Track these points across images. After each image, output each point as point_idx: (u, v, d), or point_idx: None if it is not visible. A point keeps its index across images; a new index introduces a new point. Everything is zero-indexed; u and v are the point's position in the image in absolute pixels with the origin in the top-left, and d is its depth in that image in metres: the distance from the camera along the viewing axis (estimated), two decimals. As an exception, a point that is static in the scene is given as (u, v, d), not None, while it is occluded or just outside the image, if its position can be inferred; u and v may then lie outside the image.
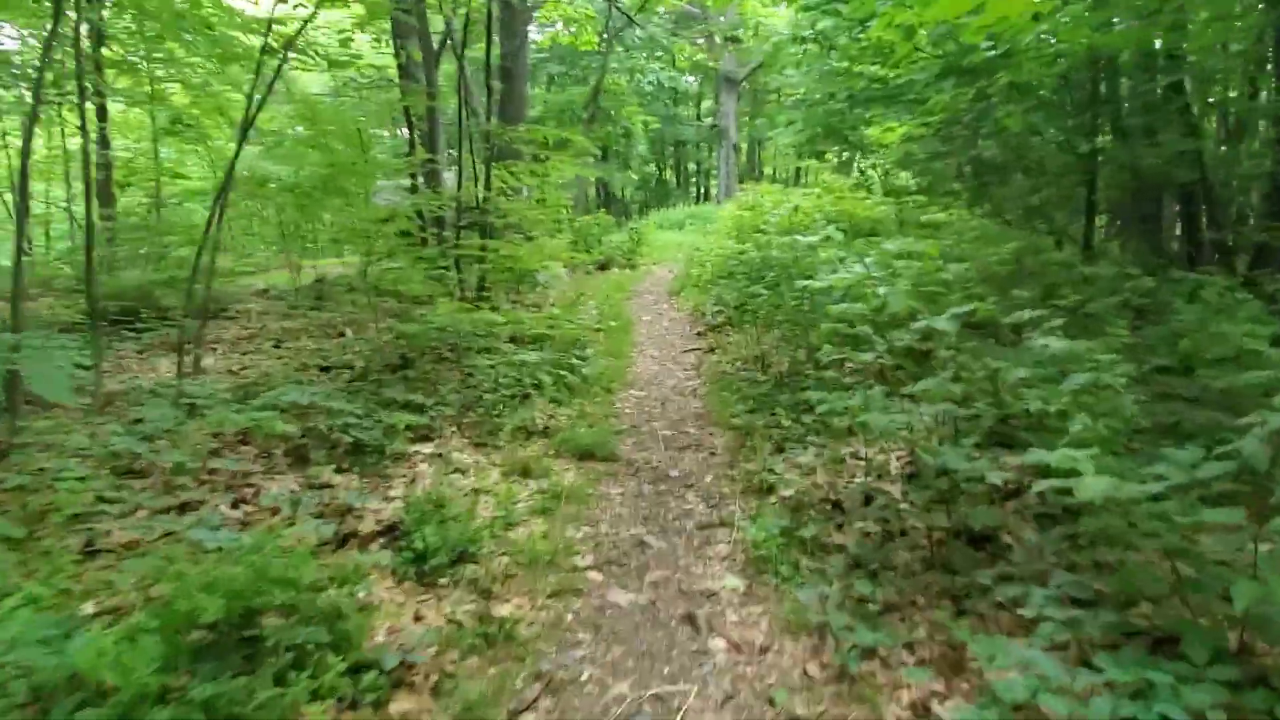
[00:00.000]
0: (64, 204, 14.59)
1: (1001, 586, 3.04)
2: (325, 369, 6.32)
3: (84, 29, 11.80)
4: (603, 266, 14.58)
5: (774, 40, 13.96)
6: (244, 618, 2.45)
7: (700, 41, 25.77)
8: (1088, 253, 8.02)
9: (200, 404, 4.58)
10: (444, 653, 2.81)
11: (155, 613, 2.35)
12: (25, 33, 11.84)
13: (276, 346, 7.55)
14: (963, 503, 3.50)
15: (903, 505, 3.84)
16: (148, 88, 11.54)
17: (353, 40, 9.50)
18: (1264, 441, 2.45)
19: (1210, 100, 8.70)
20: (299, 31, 5.58)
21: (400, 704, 2.52)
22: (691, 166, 33.94)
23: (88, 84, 12.01)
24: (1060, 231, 8.86)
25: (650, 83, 26.52)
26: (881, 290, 3.72)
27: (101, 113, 12.21)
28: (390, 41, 12.02)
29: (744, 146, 29.80)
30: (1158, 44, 6.11)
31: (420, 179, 10.56)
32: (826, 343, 4.25)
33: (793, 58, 11.04)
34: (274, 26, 6.30)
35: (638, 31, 24.44)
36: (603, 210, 20.57)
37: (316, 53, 6.49)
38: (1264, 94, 8.23)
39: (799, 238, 5.18)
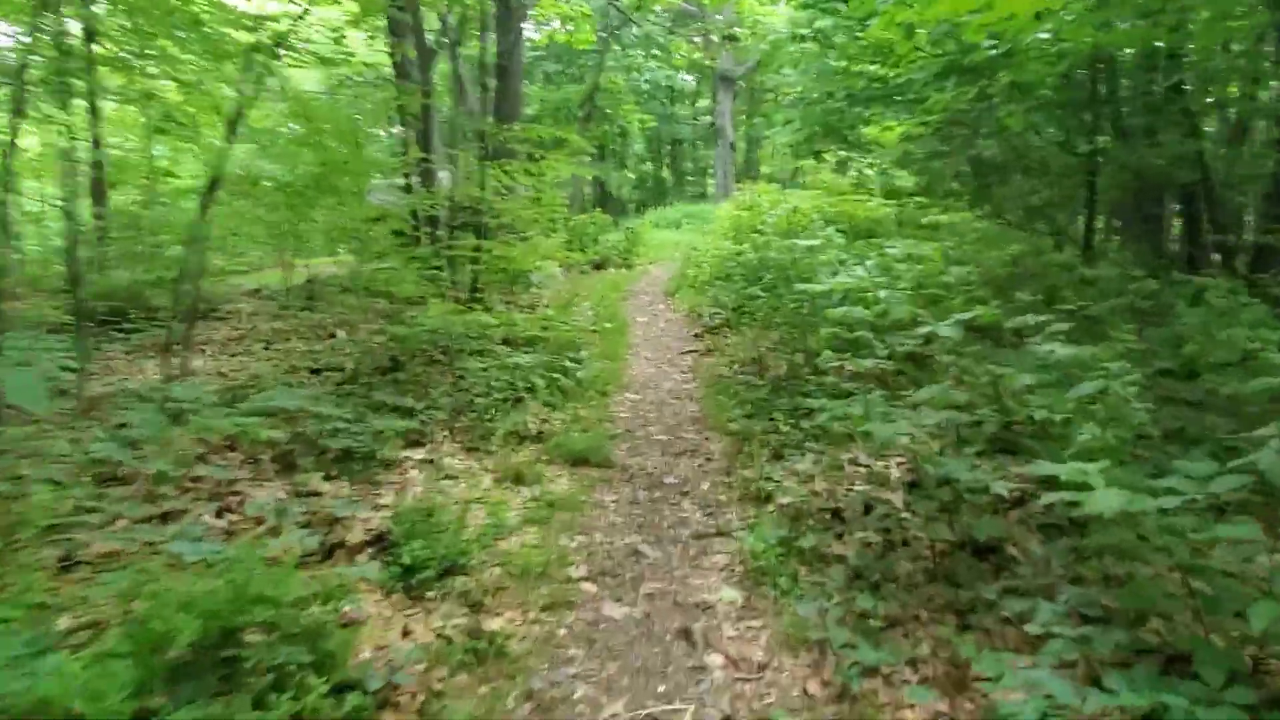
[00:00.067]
0: (56, 202, 14.44)
1: (1007, 600, 2.96)
2: (315, 371, 6.22)
3: (76, 26, 11.72)
4: (598, 266, 14.48)
5: (771, 39, 13.87)
6: (224, 637, 2.35)
7: (697, 40, 25.65)
8: (1088, 253, 7.95)
9: (186, 408, 4.48)
10: (432, 670, 2.72)
11: (129, 633, 2.25)
12: (16, 30, 11.69)
13: (267, 348, 7.44)
14: (966, 512, 3.42)
15: (904, 514, 3.76)
16: (140, 85, 11.43)
17: (345, 38, 9.40)
18: (1282, 454, 2.37)
19: (1210, 100, 8.64)
20: (290, 27, 5.45)
21: (386, 726, 2.43)
22: (688, 165, 33.82)
23: (79, 81, 11.91)
24: (1060, 232, 8.79)
25: (647, 81, 26.43)
26: (882, 294, 3.63)
27: (93, 110, 12.09)
28: (385, 39, 11.91)
29: (741, 145, 29.69)
30: (1159, 43, 6.05)
31: (415, 178, 10.46)
32: (827, 348, 4.15)
33: (791, 56, 10.95)
34: (266, 23, 6.21)
35: (634, 29, 24.33)
36: (599, 209, 20.45)
37: (308, 50, 6.36)
38: (1263, 94, 8.17)
39: (799, 241, 5.08)
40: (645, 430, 5.60)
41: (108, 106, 12.39)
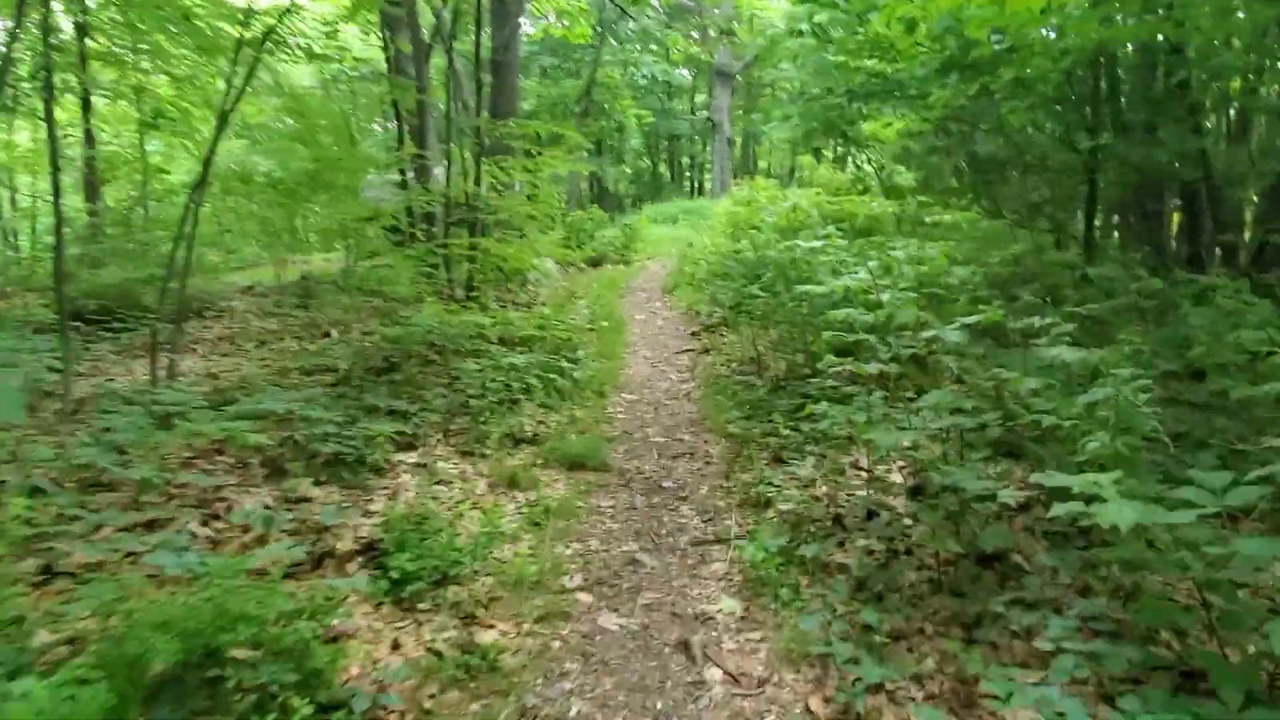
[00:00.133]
0: (48, 198, 14.32)
1: (1014, 611, 2.89)
2: (308, 372, 6.11)
3: (67, 22, 11.61)
4: (595, 263, 14.37)
5: (770, 33, 13.76)
6: (206, 656, 2.27)
7: (694, 35, 25.53)
8: (1089, 251, 7.87)
9: (174, 411, 4.38)
10: (422, 686, 2.64)
11: (105, 654, 2.16)
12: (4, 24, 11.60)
13: (259, 347, 7.34)
14: (970, 519, 3.34)
15: (906, 521, 3.68)
16: (133, 80, 11.31)
17: (339, 32, 9.28)
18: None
19: (1211, 98, 8.56)
20: (278, 21, 5.35)
21: (373, 747, 2.34)
22: (685, 161, 33.69)
23: (70, 77, 11.79)
24: (1060, 229, 8.71)
25: (644, 76, 26.26)
26: (885, 297, 3.54)
27: (85, 105, 11.97)
28: (379, 34, 11.79)
29: (738, 141, 29.58)
30: (1162, 38, 5.95)
31: (410, 174, 10.36)
32: (828, 352, 4.06)
33: (788, 51, 10.84)
34: (256, 17, 6.10)
35: (631, 24, 24.20)
36: (595, 205, 20.35)
37: (299, 45, 6.25)
38: (1265, 90, 8.09)
39: (800, 243, 4.99)
40: (643, 432, 5.51)
41: (99, 102, 12.31)
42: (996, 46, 5.67)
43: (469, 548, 3.43)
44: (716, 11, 23.42)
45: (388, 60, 10.98)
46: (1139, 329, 4.86)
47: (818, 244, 4.82)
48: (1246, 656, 2.43)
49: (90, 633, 2.60)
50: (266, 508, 3.74)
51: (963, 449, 3.72)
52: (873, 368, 3.44)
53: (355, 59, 9.65)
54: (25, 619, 2.72)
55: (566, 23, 19.88)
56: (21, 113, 14.02)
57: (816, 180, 13.68)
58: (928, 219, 5.80)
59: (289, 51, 6.13)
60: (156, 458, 3.92)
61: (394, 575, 3.12)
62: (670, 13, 25.22)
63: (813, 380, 4.67)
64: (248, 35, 5.37)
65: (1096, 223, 8.67)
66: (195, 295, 9.25)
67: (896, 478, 4.13)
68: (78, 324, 7.29)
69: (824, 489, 4.15)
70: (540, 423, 5.41)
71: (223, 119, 5.27)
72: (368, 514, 3.83)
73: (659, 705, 2.64)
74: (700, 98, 31.01)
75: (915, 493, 3.91)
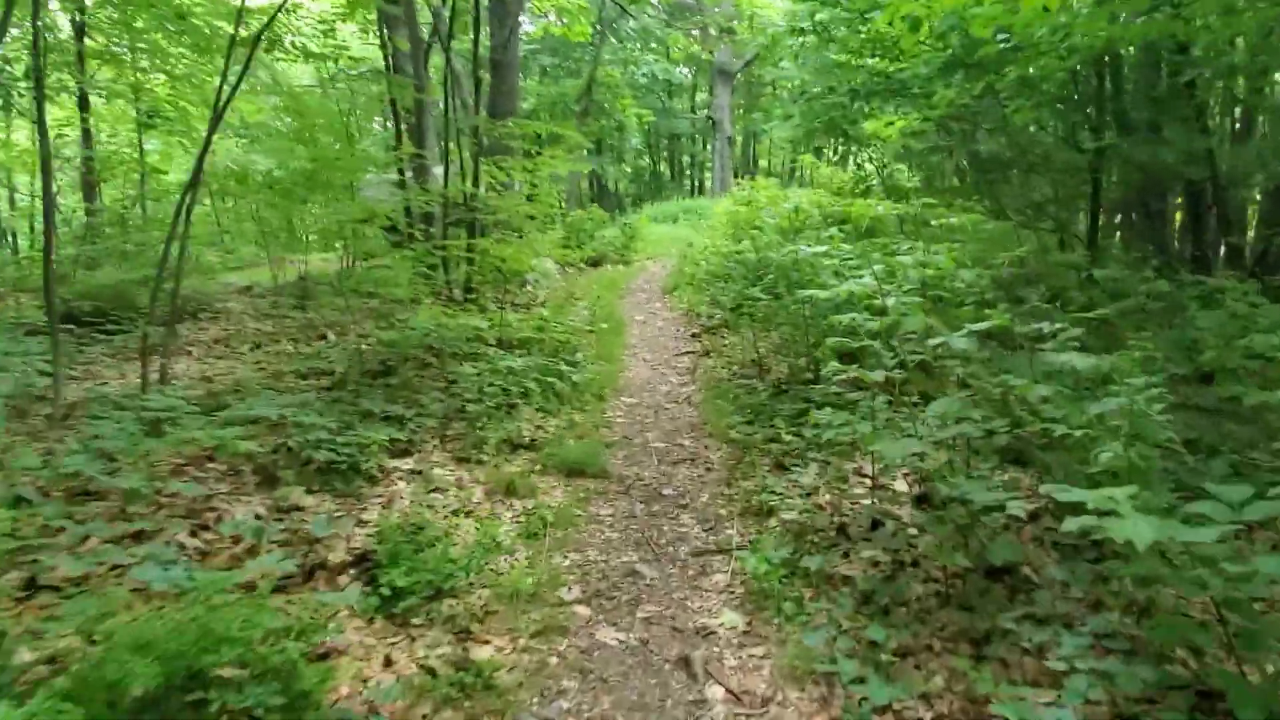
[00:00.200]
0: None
1: (1024, 627, 2.81)
2: (303, 376, 6.03)
3: (66, 22, 11.53)
4: (595, 263, 14.27)
5: (771, 32, 13.68)
6: (189, 678, 2.18)
7: (695, 33, 25.43)
8: (1093, 252, 7.79)
9: (165, 416, 4.30)
10: (415, 707, 2.56)
11: (84, 676, 2.08)
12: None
13: (254, 350, 7.26)
14: (978, 530, 3.26)
15: (912, 531, 3.60)
16: (130, 79, 11.25)
17: (336, 30, 9.21)
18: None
19: (1217, 97, 8.48)
20: (270, 20, 5.27)
21: (363, 772, 2.26)
22: (686, 160, 33.59)
23: (67, 76, 11.71)
24: (1063, 229, 8.63)
25: (644, 75, 26.17)
26: (890, 301, 3.45)
27: (83, 104, 11.90)
28: (378, 32, 11.70)
29: (739, 140, 29.49)
30: (1170, 37, 5.86)
31: (409, 174, 10.28)
32: (833, 358, 3.98)
33: (790, 50, 10.75)
34: (251, 16, 6.02)
35: (631, 22, 24.11)
36: (595, 204, 20.26)
37: (294, 44, 6.17)
38: (1268, 90, 8.01)
39: (804, 247, 4.91)
40: (642, 437, 5.43)
41: (96, 101, 12.23)
42: (1003, 45, 5.58)
43: (464, 559, 3.35)
44: (717, 10, 23.31)
45: (385, 59, 10.89)
46: (1150, 334, 4.77)
47: (821, 249, 4.72)
48: (1266, 676, 2.35)
49: (73, 651, 2.52)
50: (257, 517, 3.66)
51: (969, 457, 3.64)
52: (878, 375, 3.35)
53: (352, 58, 9.56)
54: (5, 635, 2.64)
55: (566, 21, 19.79)
56: (20, 112, 13.98)
57: (818, 180, 13.58)
58: (933, 221, 5.70)
59: (284, 50, 6.04)
60: (145, 466, 3.84)
61: (388, 587, 3.03)
62: (670, 11, 25.11)
63: (815, 386, 4.58)
64: (241, 33, 5.28)
65: (1099, 223, 8.59)
66: (191, 296, 9.17)
67: (901, 486, 4.04)
68: (70, 326, 7.22)
69: (827, 497, 4.07)
70: (538, 428, 5.32)
71: (216, 117, 5.18)
72: (361, 523, 3.75)
73: (659, 725, 2.56)
74: (701, 96, 30.92)
75: (921, 501, 3.83)
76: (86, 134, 12.01)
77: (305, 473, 4.17)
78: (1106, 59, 7.32)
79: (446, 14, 10.06)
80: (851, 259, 4.68)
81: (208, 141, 5.12)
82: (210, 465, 4.26)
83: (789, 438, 4.85)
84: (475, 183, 8.57)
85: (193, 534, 3.45)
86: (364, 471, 4.24)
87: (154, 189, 12.64)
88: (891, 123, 8.33)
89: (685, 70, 29.66)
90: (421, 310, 6.23)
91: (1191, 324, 5.38)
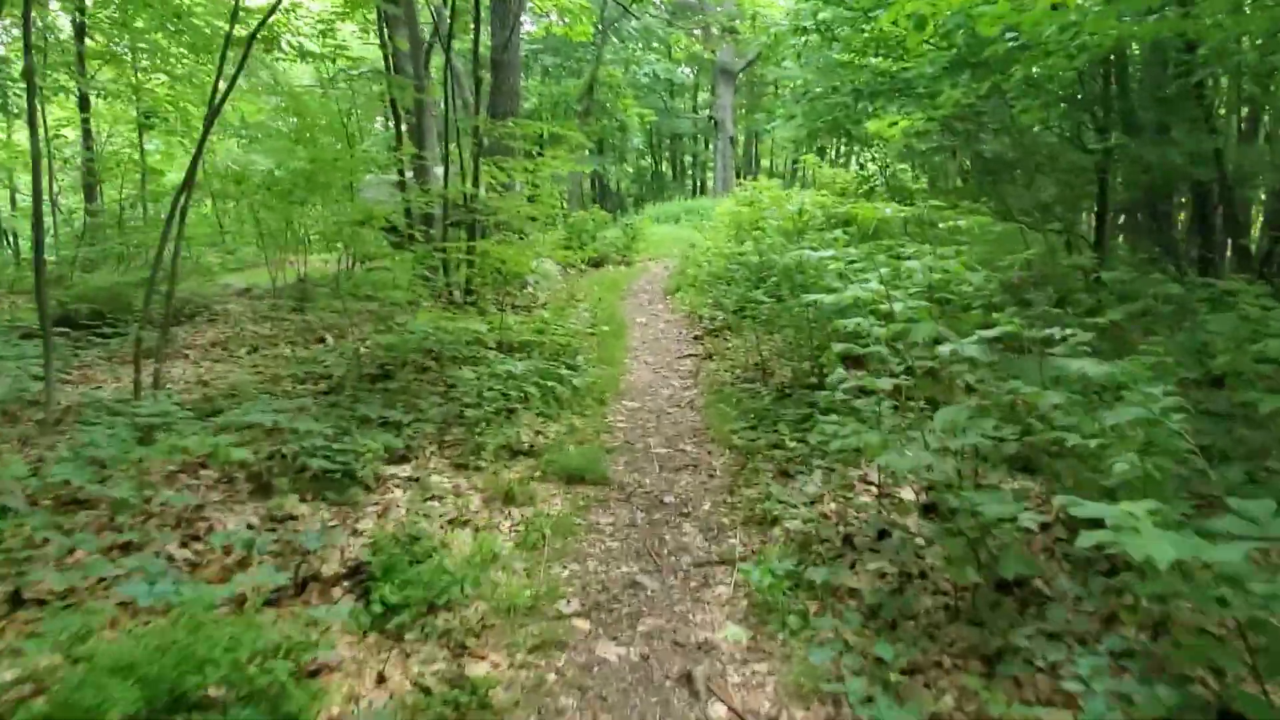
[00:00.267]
0: (49, 198, 14.20)
1: (1037, 642, 2.72)
2: (300, 380, 5.96)
3: (66, 22, 11.47)
4: (597, 264, 14.20)
5: (773, 31, 13.59)
6: (172, 702, 2.11)
7: (697, 33, 25.35)
8: (1099, 254, 7.70)
9: (158, 423, 4.23)
10: (408, 727, 2.47)
11: (63, 700, 2.00)
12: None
13: (252, 353, 7.18)
14: (988, 541, 3.17)
15: (920, 541, 3.51)
16: (131, 79, 11.20)
17: (336, 30, 9.14)
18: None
19: (1224, 96, 8.39)
20: (266, 17, 5.19)
21: (352, 798, 2.18)
22: (688, 160, 33.52)
23: (63, 77, 11.64)
24: (1068, 231, 8.53)
25: (646, 74, 26.11)
26: (898, 307, 3.37)
27: (84, 104, 11.85)
28: (378, 32, 11.64)
29: (741, 140, 29.40)
30: (1177, 36, 5.76)
31: (409, 175, 10.21)
32: (837, 365, 3.89)
33: (793, 49, 10.66)
34: (251, 15, 5.95)
35: (633, 22, 24.03)
36: (597, 205, 20.18)
37: (291, 44, 6.10)
38: (1275, 89, 7.90)
39: (809, 251, 4.82)
40: (644, 442, 5.34)
41: (96, 101, 12.17)
42: (1012, 44, 5.48)
43: (461, 571, 3.27)
44: (719, 9, 23.23)
45: (386, 59, 10.82)
46: (1163, 339, 4.67)
47: (828, 252, 4.63)
48: (1290, 699, 2.26)
49: (55, 669, 2.44)
50: (250, 527, 3.58)
51: (978, 465, 3.55)
52: (886, 383, 3.27)
53: (350, 58, 9.48)
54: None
55: (568, 21, 19.71)
56: (19, 113, 13.91)
57: (820, 180, 13.48)
58: (940, 223, 5.62)
59: (280, 49, 5.96)
60: (137, 474, 3.77)
61: (377, 609, 2.95)
62: (672, 11, 25.03)
63: (820, 391, 4.49)
64: (239, 32, 5.21)
65: (1106, 224, 8.49)
66: (190, 298, 9.11)
67: (908, 494, 3.96)
68: (66, 330, 7.16)
69: (832, 506, 3.98)
70: (538, 433, 5.24)
71: (211, 116, 5.10)
72: (356, 533, 3.67)
73: (660, 746, 2.47)
74: (703, 96, 30.86)
75: (928, 510, 3.74)
76: (87, 134, 11.97)
77: (300, 480, 4.10)
78: (1113, 58, 7.23)
79: (447, 14, 9.98)
80: (857, 261, 4.59)
81: (202, 141, 5.04)
82: (203, 472, 4.19)
83: (793, 444, 4.77)
84: (475, 183, 8.49)
85: (183, 545, 3.37)
86: (360, 479, 4.16)
87: (153, 190, 12.58)
88: (895, 123, 8.24)
89: (687, 70, 29.59)
90: (420, 313, 6.14)
91: (1202, 327, 5.29)
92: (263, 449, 4.35)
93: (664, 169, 33.32)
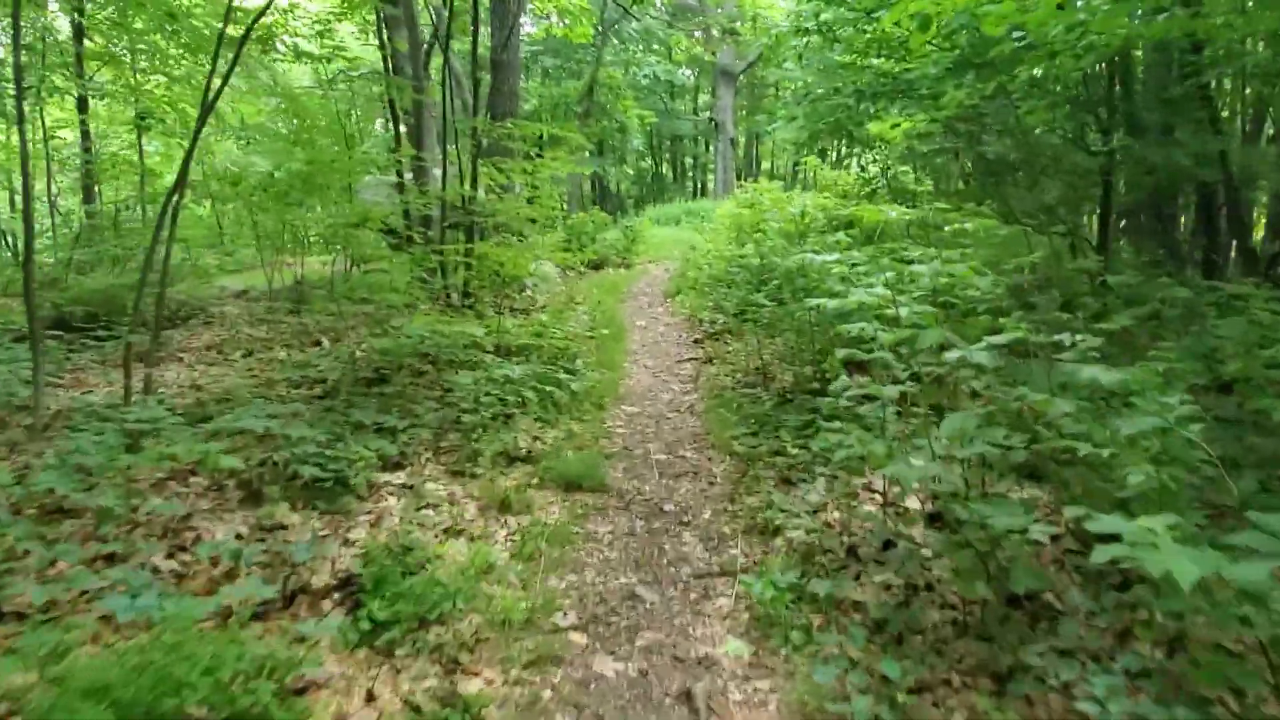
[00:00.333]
0: (48, 199, 14.15)
1: (1049, 659, 2.63)
2: (295, 384, 5.87)
3: (65, 23, 11.40)
4: (596, 266, 14.12)
5: (774, 32, 13.52)
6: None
7: (697, 34, 25.28)
8: (1104, 256, 7.61)
9: (148, 429, 4.14)
10: (397, 748, 2.39)
11: (34, 723, 1.91)
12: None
13: (246, 356, 7.09)
14: (997, 553, 3.08)
15: (926, 552, 3.42)
16: (130, 80, 11.13)
17: (333, 31, 9.07)
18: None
19: (1229, 98, 8.31)
20: (258, 16, 5.11)
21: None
22: (688, 161, 33.44)
23: (58, 78, 11.57)
24: (1072, 233, 8.45)
25: (646, 76, 26.03)
26: (903, 312, 3.28)
27: (82, 105, 11.78)
28: (377, 33, 11.57)
29: (741, 142, 29.32)
30: (1184, 35, 5.68)
31: (409, 176, 10.13)
32: (840, 372, 3.81)
33: (794, 51, 10.58)
34: (247, 15, 5.87)
35: (633, 24, 23.96)
36: (597, 206, 20.10)
37: (287, 44, 6.02)
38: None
39: (813, 256, 4.73)
40: (643, 448, 5.25)
41: (94, 103, 12.10)
42: (1019, 44, 5.40)
43: (454, 583, 3.18)
44: (719, 11, 23.16)
45: (384, 60, 10.75)
46: (1169, 343, 4.58)
47: (833, 256, 4.54)
48: (1316, 722, 2.17)
49: (30, 688, 2.35)
50: (239, 537, 3.50)
51: (985, 474, 3.46)
52: (893, 391, 3.18)
53: (348, 59, 9.40)
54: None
55: (568, 22, 19.64)
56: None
57: (821, 182, 13.39)
58: (946, 226, 5.53)
59: (275, 49, 5.88)
60: (123, 482, 3.68)
61: (366, 626, 2.85)
62: (673, 12, 24.96)
63: (822, 397, 4.40)
64: (230, 31, 5.12)
65: (1110, 227, 8.41)
66: (186, 300, 9.03)
67: (914, 503, 3.86)
68: (60, 332, 7.08)
69: (836, 515, 3.89)
70: (536, 439, 5.15)
71: (203, 114, 5.02)
72: (348, 543, 3.58)
73: (659, 768, 2.39)
74: (703, 98, 30.78)
75: (934, 520, 3.65)
76: (85, 135, 11.89)
77: (291, 488, 4.01)
78: (1117, 60, 7.16)
79: (445, 14, 9.90)
80: (860, 265, 4.50)
81: (194, 141, 4.96)
82: (193, 480, 4.11)
83: (795, 451, 4.68)
84: (474, 185, 8.41)
85: (169, 555, 3.29)
86: (353, 487, 4.07)
87: (151, 192, 12.51)
88: (896, 124, 8.17)
89: (688, 72, 29.52)
90: (416, 316, 6.05)
91: (1210, 332, 5.21)
92: (254, 456, 4.26)
93: (664, 171, 33.24)
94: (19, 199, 17.80)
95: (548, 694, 2.72)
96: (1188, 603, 2.22)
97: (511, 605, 3.16)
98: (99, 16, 10.37)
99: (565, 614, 3.22)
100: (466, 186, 8.31)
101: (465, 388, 5.42)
